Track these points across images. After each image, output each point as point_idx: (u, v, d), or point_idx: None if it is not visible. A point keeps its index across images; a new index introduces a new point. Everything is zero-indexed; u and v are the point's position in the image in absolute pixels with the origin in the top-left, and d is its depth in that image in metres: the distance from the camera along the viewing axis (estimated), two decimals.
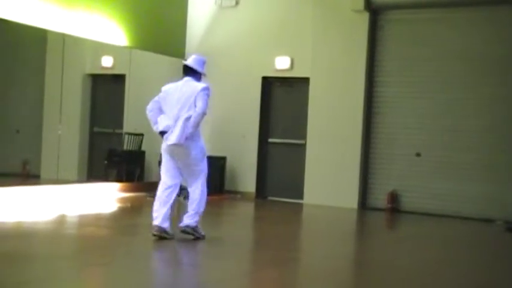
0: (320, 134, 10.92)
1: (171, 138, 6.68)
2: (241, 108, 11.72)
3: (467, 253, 7.48)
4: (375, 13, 10.79)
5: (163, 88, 6.96)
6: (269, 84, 11.73)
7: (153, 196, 10.68)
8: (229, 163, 11.60)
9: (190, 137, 6.68)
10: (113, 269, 5.76)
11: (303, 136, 11.19)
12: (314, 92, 11.02)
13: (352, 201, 10.64)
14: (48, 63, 11.89)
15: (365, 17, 10.65)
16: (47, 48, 11.77)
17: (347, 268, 6.47)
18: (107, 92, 12.33)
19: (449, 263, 6.75)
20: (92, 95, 12.10)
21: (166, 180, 6.85)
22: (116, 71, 12.11)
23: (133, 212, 9.74)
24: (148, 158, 11.47)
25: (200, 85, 6.78)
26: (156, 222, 6.73)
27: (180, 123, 6.65)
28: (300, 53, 11.29)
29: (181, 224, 6.85)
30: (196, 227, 6.88)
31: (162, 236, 6.71)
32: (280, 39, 11.48)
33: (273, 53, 11.48)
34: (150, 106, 6.92)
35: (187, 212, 6.90)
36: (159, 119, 6.83)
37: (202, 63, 7.00)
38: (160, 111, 6.85)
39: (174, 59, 11.99)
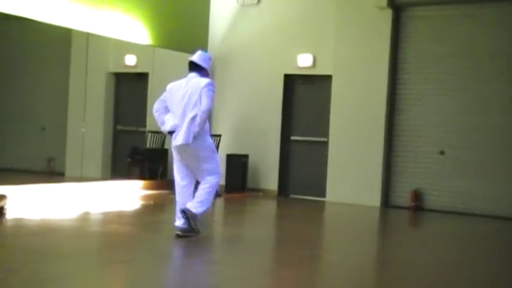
0: (342, 131, 10.89)
1: (179, 138, 6.61)
2: (263, 106, 11.73)
3: (491, 252, 7.40)
4: (398, 10, 10.71)
5: (168, 86, 6.88)
6: (291, 81, 11.72)
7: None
8: (251, 161, 11.62)
9: (197, 136, 6.60)
10: (135, 266, 5.81)
11: (325, 134, 11.16)
12: (336, 89, 10.98)
13: (374, 199, 10.59)
14: (72, 62, 12.02)
15: (388, 13, 10.59)
16: (71, 47, 11.90)
17: (369, 266, 6.44)
18: (130, 90, 12.43)
19: (472, 262, 6.69)
20: (115, 94, 12.21)
21: (179, 180, 6.83)
22: (139, 70, 12.20)
23: (156, 210, 9.81)
24: (171, 155, 11.50)
25: (203, 81, 6.69)
26: (178, 223, 6.76)
27: (186, 122, 6.58)
28: (322, 51, 11.26)
29: (183, 207, 6.68)
30: (195, 215, 6.62)
31: (185, 235, 6.72)
32: (302, 36, 11.46)
33: (295, 51, 11.46)
34: (156, 106, 6.88)
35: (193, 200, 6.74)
36: (166, 118, 6.78)
37: (208, 59, 6.96)
38: (167, 110, 6.81)
39: None
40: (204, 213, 6.79)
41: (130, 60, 12.16)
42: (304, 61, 11.42)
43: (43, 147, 12.00)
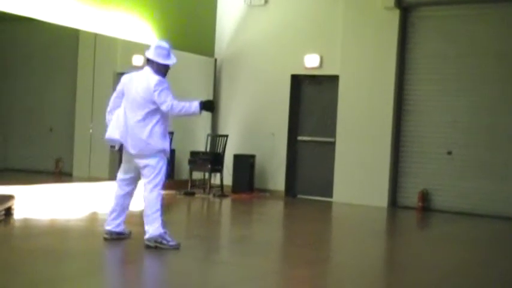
0: (350, 131, 10.87)
1: (128, 145, 6.17)
2: (270, 107, 11.72)
3: (500, 254, 7.36)
4: (405, 10, 10.69)
5: (122, 79, 6.36)
6: (298, 82, 11.71)
7: (183, 194, 10.79)
8: (258, 161, 11.61)
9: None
10: (143, 266, 5.82)
11: (333, 134, 11.15)
12: (343, 89, 10.96)
13: (382, 199, 10.56)
14: (80, 62, 12.06)
15: (396, 14, 10.56)
16: (79, 48, 11.93)
17: (378, 267, 6.42)
18: None
19: (481, 264, 6.65)
20: None
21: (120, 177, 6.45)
22: None
23: (163, 210, 9.79)
24: (179, 156, 11.54)
25: (153, 80, 6.09)
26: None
27: (157, 130, 6.15)
28: (329, 51, 11.24)
29: (146, 237, 6.18)
30: (160, 236, 6.17)
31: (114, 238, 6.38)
32: (310, 37, 11.45)
33: (302, 51, 11.45)
34: (109, 107, 6.36)
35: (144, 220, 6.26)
36: (110, 126, 6.30)
37: (165, 51, 6.23)
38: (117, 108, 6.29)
39: (204, 58, 12.07)
40: (159, 221, 6.23)
41: (137, 60, 12.16)
42: (311, 61, 11.40)
43: (51, 148, 12.04)
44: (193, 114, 6.25)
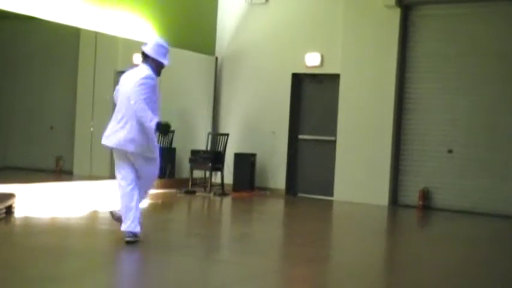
0: (350, 130, 10.87)
1: (131, 145, 6.11)
2: (271, 105, 11.73)
3: (500, 253, 7.36)
4: (406, 8, 10.69)
5: (122, 77, 6.37)
6: (299, 80, 11.71)
7: (184, 192, 10.80)
8: (259, 160, 11.62)
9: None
10: (143, 264, 5.82)
11: (333, 132, 11.15)
12: (344, 88, 10.97)
13: (382, 198, 10.57)
14: (80, 60, 12.05)
15: (396, 12, 10.56)
16: (80, 46, 11.92)
17: (379, 267, 6.43)
18: None
19: (482, 263, 6.65)
20: None
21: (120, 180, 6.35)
22: None
23: (164, 208, 9.82)
24: (179, 154, 11.54)
25: (140, 75, 6.09)
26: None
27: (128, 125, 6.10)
28: (330, 50, 11.24)
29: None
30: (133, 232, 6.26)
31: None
32: (311, 35, 11.45)
33: (303, 50, 11.45)
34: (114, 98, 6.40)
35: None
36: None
37: (158, 46, 6.28)
38: None
39: (204, 56, 12.07)
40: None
41: (138, 58, 12.13)
42: (312, 60, 11.41)
43: (51, 146, 12.03)
44: (148, 127, 6.07)
